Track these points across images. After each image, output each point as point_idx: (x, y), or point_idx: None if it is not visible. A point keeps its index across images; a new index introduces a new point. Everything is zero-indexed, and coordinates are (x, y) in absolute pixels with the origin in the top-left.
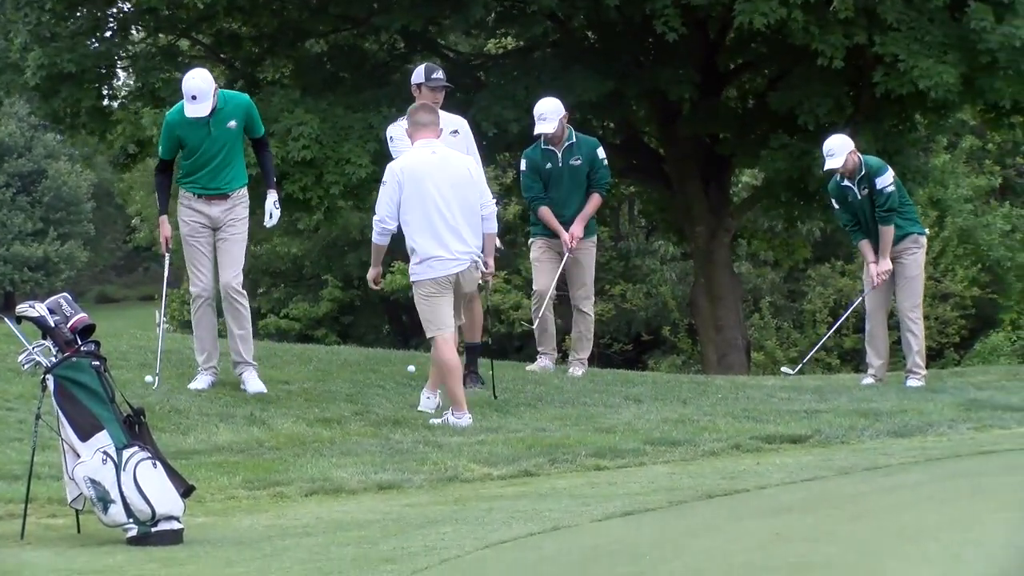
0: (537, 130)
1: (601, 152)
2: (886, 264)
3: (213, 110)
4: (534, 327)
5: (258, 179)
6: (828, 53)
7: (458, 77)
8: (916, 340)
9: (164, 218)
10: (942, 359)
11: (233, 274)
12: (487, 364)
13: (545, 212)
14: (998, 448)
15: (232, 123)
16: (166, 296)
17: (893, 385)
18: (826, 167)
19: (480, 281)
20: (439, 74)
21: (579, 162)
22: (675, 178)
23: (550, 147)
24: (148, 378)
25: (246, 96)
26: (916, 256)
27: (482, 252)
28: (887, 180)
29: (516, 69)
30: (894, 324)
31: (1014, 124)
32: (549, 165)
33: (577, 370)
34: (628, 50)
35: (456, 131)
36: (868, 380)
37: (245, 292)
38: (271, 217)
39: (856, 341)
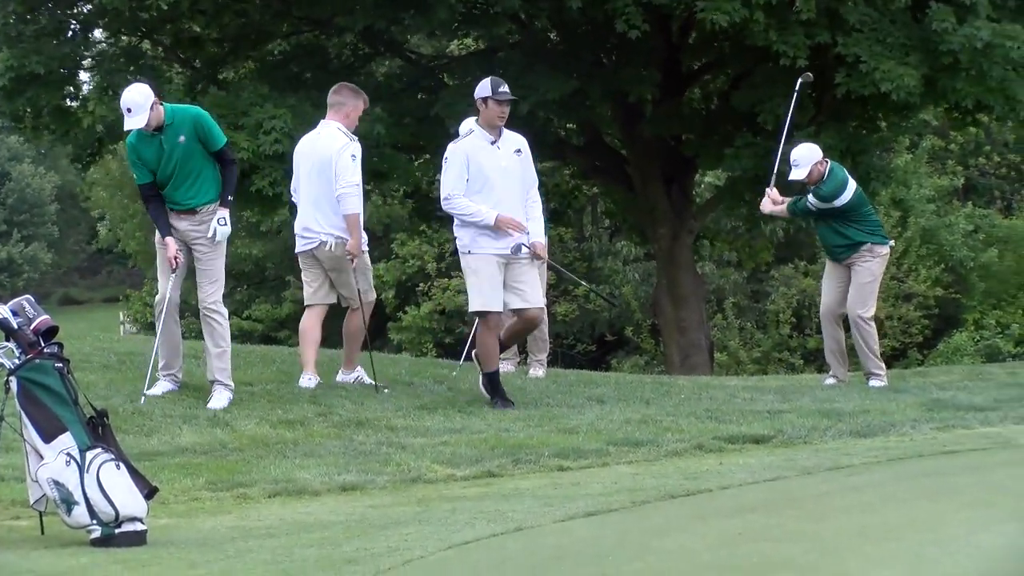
0: None
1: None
2: (775, 194)
3: (163, 126)
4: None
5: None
6: (791, 53)
7: (420, 78)
8: (867, 344)
9: (169, 239)
10: (905, 359)
11: (210, 291)
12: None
13: None
14: (961, 448)
15: (181, 137)
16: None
17: (856, 385)
18: (791, 177)
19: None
20: (505, 87)
21: None
22: (637, 179)
23: None
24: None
25: (195, 108)
26: (869, 265)
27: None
28: (836, 195)
29: (478, 69)
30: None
31: (979, 122)
32: None
33: (538, 371)
34: (590, 50)
35: (519, 150)
36: (830, 380)
37: (223, 310)
38: (215, 234)
39: (819, 342)
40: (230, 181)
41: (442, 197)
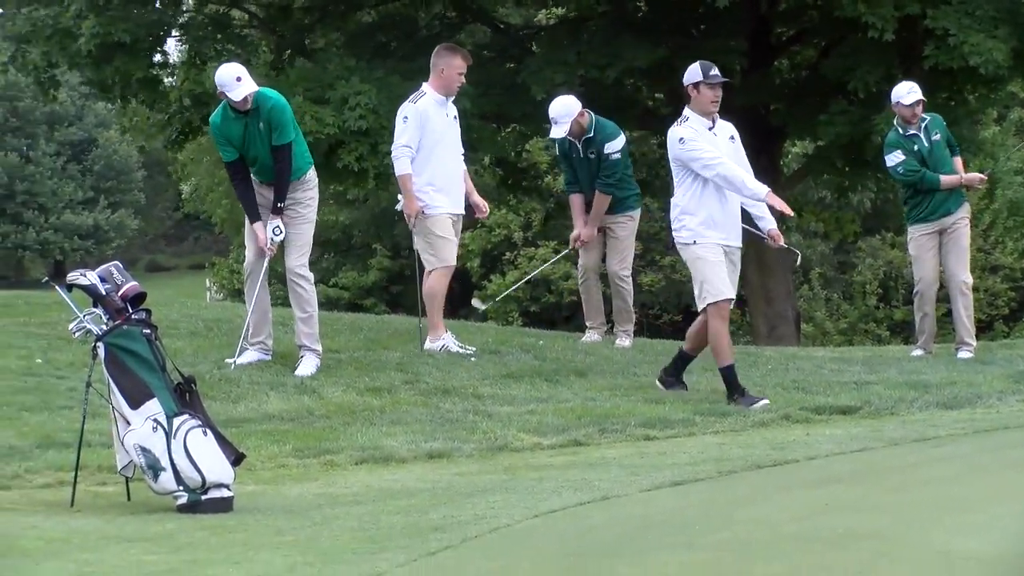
0: (551, 135)
1: (613, 145)
2: (975, 175)
3: (250, 111)
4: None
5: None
6: (879, 26)
7: (508, 47)
8: (968, 313)
9: (258, 224)
10: (991, 331)
11: (296, 256)
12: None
13: (573, 201)
14: None
15: (261, 124)
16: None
17: (943, 357)
18: (908, 102)
19: None
20: (716, 70)
21: (594, 155)
22: None
23: (572, 138)
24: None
25: (274, 98)
26: (967, 228)
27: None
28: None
29: (566, 38)
30: (942, 296)
31: None
32: (575, 154)
33: (624, 341)
34: (678, 21)
35: (733, 137)
36: (918, 352)
37: (309, 276)
38: (271, 243)
39: (906, 313)
40: (281, 182)
41: (689, 145)
